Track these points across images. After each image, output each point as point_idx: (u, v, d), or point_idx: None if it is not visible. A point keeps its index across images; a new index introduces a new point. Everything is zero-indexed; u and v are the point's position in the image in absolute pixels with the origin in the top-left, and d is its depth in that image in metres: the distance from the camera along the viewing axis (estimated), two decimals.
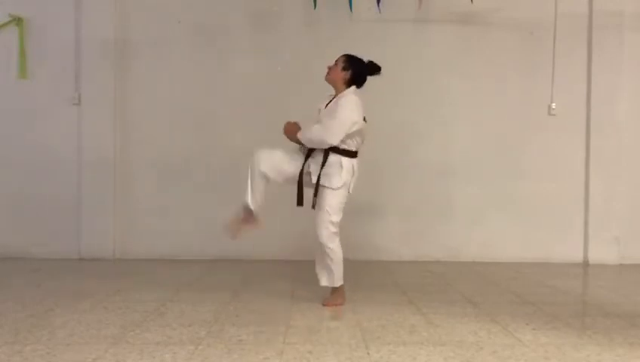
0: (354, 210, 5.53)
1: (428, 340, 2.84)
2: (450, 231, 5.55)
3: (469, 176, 5.56)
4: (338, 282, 3.61)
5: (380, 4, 5.26)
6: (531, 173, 5.56)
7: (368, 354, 2.60)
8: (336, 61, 3.67)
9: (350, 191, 3.60)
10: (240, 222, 3.74)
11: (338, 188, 3.52)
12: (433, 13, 5.51)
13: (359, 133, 3.59)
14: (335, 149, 3.54)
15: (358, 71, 3.63)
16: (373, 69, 3.65)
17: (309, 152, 3.61)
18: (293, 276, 4.56)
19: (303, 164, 3.60)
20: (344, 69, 3.62)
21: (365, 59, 3.66)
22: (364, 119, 3.62)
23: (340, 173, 3.52)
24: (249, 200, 3.64)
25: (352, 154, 3.59)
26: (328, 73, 3.67)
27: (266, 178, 3.62)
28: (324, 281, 3.63)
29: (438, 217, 5.55)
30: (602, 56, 5.51)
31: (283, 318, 3.25)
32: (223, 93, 5.52)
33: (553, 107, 5.57)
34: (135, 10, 5.52)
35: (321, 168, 3.55)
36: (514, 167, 5.56)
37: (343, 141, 3.52)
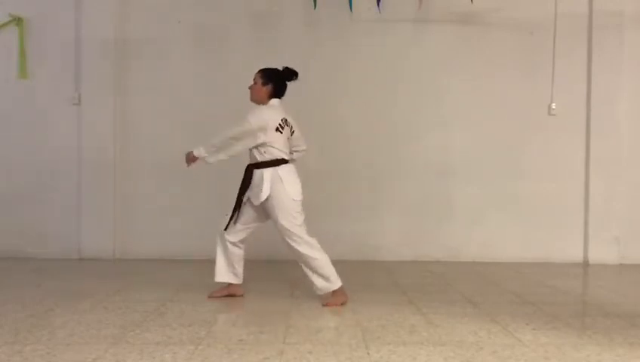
0: (354, 210, 5.57)
1: (428, 340, 2.84)
2: (450, 231, 5.55)
3: (469, 176, 5.56)
4: (335, 285, 3.58)
5: (380, 4, 5.26)
6: (531, 173, 5.56)
7: (368, 354, 2.60)
8: (254, 79, 3.73)
9: (294, 198, 3.56)
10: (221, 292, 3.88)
11: (267, 200, 3.54)
12: (433, 13, 5.51)
13: (278, 140, 3.59)
14: (256, 165, 3.60)
15: (278, 81, 3.70)
16: (290, 74, 3.71)
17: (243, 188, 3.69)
18: (293, 276, 4.56)
19: (241, 198, 3.69)
20: (264, 83, 3.69)
21: (280, 67, 3.72)
22: (280, 127, 3.60)
23: (263, 185, 3.54)
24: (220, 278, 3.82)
25: (273, 163, 3.58)
26: (251, 94, 3.73)
27: (237, 245, 3.77)
28: (322, 289, 3.59)
29: (438, 217, 5.55)
30: (602, 56, 5.51)
31: (283, 318, 3.25)
32: (223, 93, 5.51)
33: (553, 107, 5.58)
34: (135, 10, 5.53)
35: (249, 189, 3.64)
36: (514, 167, 5.56)
37: (261, 153, 3.58)
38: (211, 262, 5.30)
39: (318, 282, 3.57)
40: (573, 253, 5.56)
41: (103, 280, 4.36)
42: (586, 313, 3.66)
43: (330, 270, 3.56)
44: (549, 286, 4.38)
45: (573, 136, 5.58)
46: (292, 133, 3.71)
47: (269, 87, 3.68)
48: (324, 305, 3.56)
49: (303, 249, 3.54)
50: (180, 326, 3.03)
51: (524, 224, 5.55)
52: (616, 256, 5.51)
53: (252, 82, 3.74)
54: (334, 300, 3.58)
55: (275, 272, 4.78)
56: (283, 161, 3.61)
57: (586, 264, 5.51)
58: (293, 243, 3.55)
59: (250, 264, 5.17)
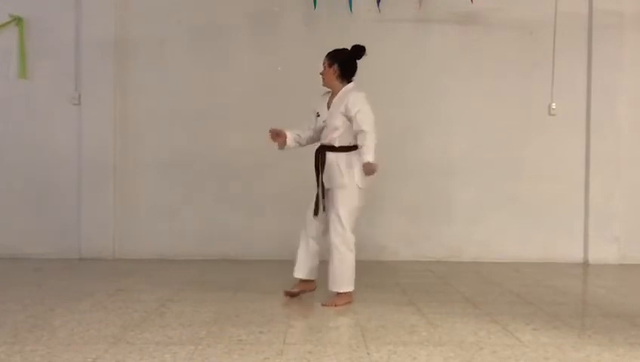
0: None
1: (428, 340, 2.84)
2: (450, 231, 5.54)
3: (469, 176, 5.56)
4: (343, 288, 3.56)
5: (380, 3, 5.26)
6: (531, 173, 5.55)
7: (368, 354, 2.60)
8: (322, 64, 3.73)
9: (360, 185, 3.54)
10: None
11: (343, 187, 3.52)
12: (433, 13, 5.51)
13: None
14: (331, 148, 3.59)
15: (343, 60, 3.68)
16: (357, 51, 3.69)
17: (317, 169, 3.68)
18: (293, 276, 4.55)
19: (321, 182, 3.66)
20: (330, 65, 3.68)
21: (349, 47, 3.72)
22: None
23: (340, 170, 3.54)
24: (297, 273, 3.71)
25: (348, 148, 3.58)
26: (323, 79, 3.73)
27: (315, 238, 3.67)
28: (330, 285, 3.58)
29: (438, 217, 5.55)
30: (602, 56, 5.50)
31: (283, 318, 3.25)
32: (223, 93, 5.51)
33: (553, 107, 5.57)
34: (135, 10, 5.52)
35: (322, 171, 3.60)
36: (514, 167, 5.56)
37: (341, 138, 3.57)
38: (211, 262, 5.33)
39: (331, 276, 3.56)
40: (573, 253, 5.56)
41: (103, 280, 4.36)
42: (586, 313, 3.66)
43: (344, 272, 3.53)
44: (549, 286, 4.37)
45: (573, 136, 5.58)
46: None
47: (335, 68, 3.67)
48: (322, 305, 3.56)
49: (337, 240, 3.52)
50: (180, 326, 3.03)
51: (524, 224, 5.54)
52: (616, 256, 5.51)
53: (321, 68, 3.74)
54: (333, 301, 3.56)
55: (275, 272, 4.78)
56: (355, 147, 3.58)
57: (586, 264, 5.51)
58: (332, 230, 3.52)
59: (250, 264, 5.19)
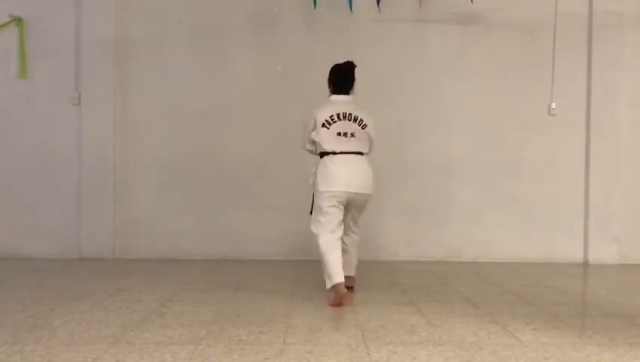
0: None
1: (428, 340, 2.84)
2: (450, 231, 5.54)
3: (469, 176, 5.56)
4: (327, 283, 3.55)
5: (380, 3, 5.26)
6: (531, 173, 5.56)
7: (368, 354, 2.60)
8: None
9: (320, 189, 3.61)
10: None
11: (312, 188, 3.73)
12: (433, 13, 5.51)
13: (324, 135, 3.66)
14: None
15: (331, 76, 3.83)
16: (342, 65, 3.81)
17: None
18: (293, 276, 4.56)
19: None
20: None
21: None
22: (327, 123, 3.66)
23: (313, 174, 3.76)
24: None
25: (320, 156, 3.72)
26: None
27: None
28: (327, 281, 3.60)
29: (438, 217, 5.55)
30: (602, 56, 5.50)
31: (283, 318, 3.25)
32: (223, 93, 5.51)
33: (553, 107, 5.57)
34: (135, 10, 5.52)
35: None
36: (514, 167, 5.56)
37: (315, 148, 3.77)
38: (211, 262, 5.33)
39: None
40: (573, 253, 5.56)
41: (103, 280, 4.36)
42: (586, 313, 3.66)
43: (325, 266, 3.54)
44: (549, 286, 4.37)
45: (573, 136, 5.58)
46: (363, 126, 3.75)
47: (329, 84, 3.84)
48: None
49: (315, 233, 3.60)
50: (180, 326, 3.03)
51: (524, 224, 5.55)
52: (616, 256, 5.51)
53: None
54: (331, 299, 3.56)
55: (275, 272, 4.78)
56: (326, 154, 3.68)
57: (586, 264, 5.51)
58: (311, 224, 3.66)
59: (250, 264, 5.19)
